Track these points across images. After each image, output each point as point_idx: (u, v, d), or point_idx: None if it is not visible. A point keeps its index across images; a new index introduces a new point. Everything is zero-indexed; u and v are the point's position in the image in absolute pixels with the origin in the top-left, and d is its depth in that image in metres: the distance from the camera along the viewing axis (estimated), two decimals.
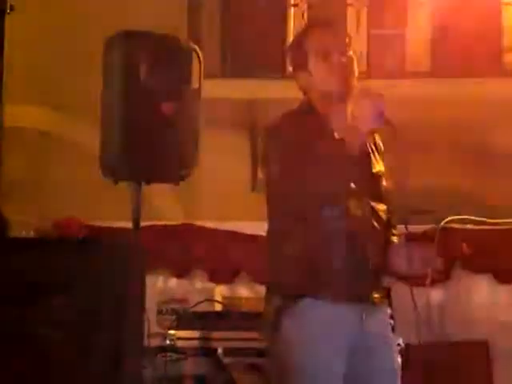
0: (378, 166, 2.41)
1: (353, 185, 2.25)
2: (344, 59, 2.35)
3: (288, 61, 2.53)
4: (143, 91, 3.02)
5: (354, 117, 2.22)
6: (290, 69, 2.53)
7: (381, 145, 2.47)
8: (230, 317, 3.30)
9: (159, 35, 3.10)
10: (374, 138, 2.43)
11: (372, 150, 2.41)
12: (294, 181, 2.22)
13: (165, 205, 4.84)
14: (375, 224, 2.32)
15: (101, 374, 2.00)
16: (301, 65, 2.41)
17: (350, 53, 2.39)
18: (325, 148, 2.24)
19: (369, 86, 2.31)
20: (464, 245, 4.27)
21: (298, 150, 2.25)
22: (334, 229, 2.27)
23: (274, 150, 2.31)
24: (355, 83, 2.35)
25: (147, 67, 3.00)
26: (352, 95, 2.32)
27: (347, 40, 2.40)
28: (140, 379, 2.16)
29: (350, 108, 2.32)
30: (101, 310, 2.04)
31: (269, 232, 2.38)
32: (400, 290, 4.30)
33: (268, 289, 2.37)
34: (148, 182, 3.20)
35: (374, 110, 2.18)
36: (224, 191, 4.89)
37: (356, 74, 2.38)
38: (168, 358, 3.10)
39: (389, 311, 2.49)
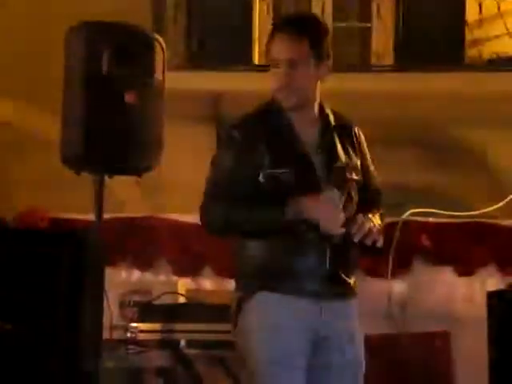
0: (347, 159, 2.40)
1: (315, 182, 2.26)
2: (288, 72, 2.29)
3: None
4: (105, 82, 3.00)
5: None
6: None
7: (362, 137, 2.46)
8: (193, 309, 3.30)
9: (121, 25, 3.07)
10: (354, 131, 2.43)
11: (343, 143, 2.39)
12: (252, 178, 2.22)
13: (128, 197, 4.81)
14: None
15: (58, 367, 1.98)
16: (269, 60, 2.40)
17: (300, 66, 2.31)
18: (282, 149, 2.25)
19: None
20: (425, 237, 4.32)
21: (256, 150, 2.25)
22: (295, 226, 2.27)
23: (222, 156, 2.29)
24: (304, 94, 2.31)
25: (109, 57, 2.97)
26: (305, 104, 2.31)
27: (298, 49, 2.31)
28: (98, 372, 2.15)
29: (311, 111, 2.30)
30: (58, 302, 2.02)
31: None
32: (361, 283, 4.35)
33: (235, 284, 2.38)
34: (110, 174, 3.17)
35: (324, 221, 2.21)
36: (189, 184, 4.87)
37: (304, 85, 2.31)
38: (130, 351, 3.08)
39: (353, 303, 2.49)
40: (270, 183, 2.24)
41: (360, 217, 2.26)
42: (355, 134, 2.44)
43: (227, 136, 2.33)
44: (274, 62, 2.33)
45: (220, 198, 2.25)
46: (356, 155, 2.41)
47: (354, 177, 2.39)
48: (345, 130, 2.40)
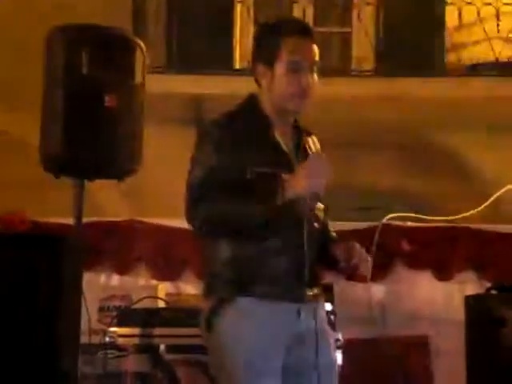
0: None
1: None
2: (311, 80, 2.28)
3: (253, 46, 2.40)
4: (85, 84, 2.98)
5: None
6: (251, 56, 2.40)
7: (317, 145, 2.47)
8: (172, 314, 3.28)
9: (102, 28, 3.06)
10: (312, 139, 2.43)
11: (310, 150, 2.41)
12: (237, 175, 2.21)
13: (109, 201, 4.80)
14: (313, 223, 2.33)
15: (36, 370, 1.97)
16: (266, 60, 2.32)
17: (315, 73, 2.31)
18: (264, 150, 2.24)
19: None
20: (404, 242, 4.34)
21: (237, 147, 2.25)
22: (270, 229, 2.26)
23: (203, 154, 2.27)
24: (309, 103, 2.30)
25: (89, 60, 2.95)
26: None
27: (317, 54, 2.30)
28: (76, 376, 2.13)
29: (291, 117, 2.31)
30: (36, 304, 2.00)
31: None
32: (342, 287, 4.37)
33: (205, 288, 2.36)
34: (90, 178, 3.15)
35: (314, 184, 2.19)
36: (169, 187, 4.85)
37: (314, 93, 2.30)
38: (109, 355, 3.07)
39: (327, 307, 2.49)
40: (258, 180, 2.22)
41: (358, 246, 2.28)
42: (314, 142, 2.45)
43: (208, 133, 2.31)
44: (297, 66, 2.27)
45: (209, 196, 2.20)
46: None
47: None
48: (310, 138, 2.41)
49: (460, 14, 4.92)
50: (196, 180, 2.24)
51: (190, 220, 2.25)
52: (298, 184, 2.19)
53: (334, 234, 2.46)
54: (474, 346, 2.86)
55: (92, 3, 4.56)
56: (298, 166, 2.24)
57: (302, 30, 2.32)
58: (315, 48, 2.32)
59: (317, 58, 2.32)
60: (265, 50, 2.34)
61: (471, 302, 2.91)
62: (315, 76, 2.32)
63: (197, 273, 4.37)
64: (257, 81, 2.37)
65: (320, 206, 2.38)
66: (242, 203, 2.21)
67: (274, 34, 2.34)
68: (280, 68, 2.30)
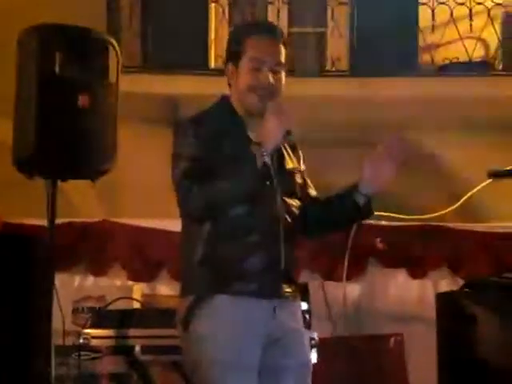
0: (292, 164, 2.43)
1: (267, 183, 2.27)
2: (272, 79, 2.31)
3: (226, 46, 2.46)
4: (58, 84, 2.96)
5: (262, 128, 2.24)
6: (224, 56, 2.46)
7: (295, 143, 2.49)
8: (147, 315, 3.26)
9: (75, 28, 3.04)
10: (289, 138, 2.45)
11: (285, 148, 2.43)
12: (201, 180, 2.22)
13: (83, 201, 4.77)
14: (288, 220, 2.35)
15: (7, 372, 1.95)
16: (233, 59, 2.38)
17: (282, 71, 2.33)
18: (238, 149, 2.25)
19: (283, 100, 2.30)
20: (378, 240, 4.36)
21: (208, 148, 2.26)
22: (245, 227, 2.28)
23: (184, 147, 2.29)
24: (276, 100, 2.30)
25: (62, 60, 2.94)
26: (270, 108, 2.30)
27: (283, 54, 2.33)
28: (48, 377, 2.12)
29: (267, 116, 2.31)
30: (6, 305, 1.98)
31: (181, 233, 2.38)
32: (317, 286, 4.38)
33: (181, 288, 2.37)
34: (63, 178, 3.13)
35: (280, 132, 2.22)
36: (145, 188, 4.85)
37: (281, 92, 2.33)
38: (83, 357, 3.05)
39: (303, 306, 2.50)
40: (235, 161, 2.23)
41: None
42: (290, 140, 2.46)
43: (185, 129, 2.33)
44: (257, 63, 2.31)
45: (199, 183, 2.23)
46: (297, 161, 2.45)
47: (299, 180, 2.43)
48: (287, 137, 2.41)
49: (433, 14, 4.96)
50: (183, 172, 2.27)
51: (187, 211, 2.29)
52: (268, 133, 2.22)
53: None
54: (444, 344, 2.89)
55: (66, 3, 4.53)
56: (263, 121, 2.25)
57: (266, 30, 2.37)
58: (281, 48, 2.35)
59: (282, 58, 2.35)
60: (232, 49, 2.40)
61: (442, 300, 2.94)
62: (282, 76, 2.34)
63: (173, 273, 4.36)
64: (228, 81, 2.39)
65: (296, 202, 2.40)
66: (228, 181, 2.23)
67: (240, 33, 2.40)
68: (243, 66, 2.35)
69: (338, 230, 2.59)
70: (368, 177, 2.33)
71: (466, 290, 3.05)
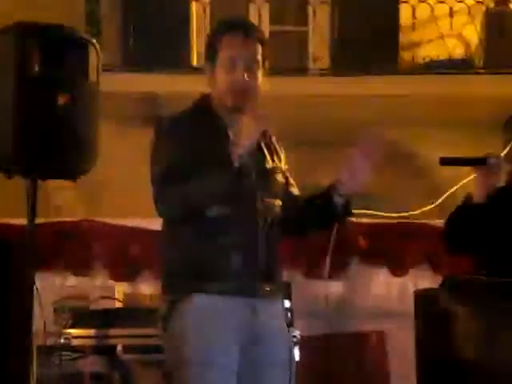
0: (272, 163, 2.43)
1: (245, 183, 2.27)
2: (247, 76, 2.31)
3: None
4: (37, 83, 2.94)
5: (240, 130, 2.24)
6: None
7: (275, 143, 2.49)
8: (129, 314, 3.26)
9: (53, 26, 3.02)
10: (269, 137, 2.45)
11: (266, 147, 2.42)
12: (180, 180, 2.22)
13: (65, 201, 4.75)
14: (267, 218, 2.35)
15: None
16: (210, 57, 2.38)
17: (258, 69, 2.32)
18: (217, 148, 2.25)
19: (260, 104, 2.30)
20: (360, 238, 4.38)
21: (187, 147, 2.25)
22: (223, 227, 2.28)
23: (163, 147, 2.29)
24: (254, 99, 2.32)
25: (41, 59, 2.92)
26: (248, 109, 2.30)
27: (260, 52, 2.33)
28: (27, 377, 2.11)
29: (244, 115, 2.31)
30: None
31: (160, 233, 2.38)
32: (300, 284, 4.39)
33: (162, 288, 2.37)
34: (43, 178, 3.12)
35: (256, 131, 2.23)
36: (127, 187, 4.83)
37: (257, 90, 2.33)
38: (64, 357, 3.04)
39: (285, 304, 2.51)
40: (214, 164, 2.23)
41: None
42: (270, 138, 2.46)
43: (165, 128, 2.33)
44: (232, 61, 2.31)
45: (177, 183, 2.22)
46: (277, 159, 2.45)
47: (281, 179, 2.43)
48: (264, 136, 2.41)
49: (414, 13, 4.97)
50: (161, 172, 2.26)
51: (164, 212, 2.29)
52: (244, 133, 2.22)
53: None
54: (422, 340, 2.90)
55: (44, 1, 4.50)
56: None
57: (242, 28, 2.37)
58: (257, 46, 2.35)
59: (258, 56, 2.34)
60: (209, 48, 2.40)
61: (420, 297, 2.95)
62: (258, 74, 2.34)
63: (155, 273, 4.35)
64: (207, 80, 2.40)
65: (277, 201, 2.40)
66: (206, 182, 2.23)
67: (216, 32, 2.41)
68: (219, 64, 2.35)
69: (317, 230, 2.59)
70: (345, 177, 2.34)
71: (445, 287, 3.07)
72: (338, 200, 2.35)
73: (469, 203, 2.95)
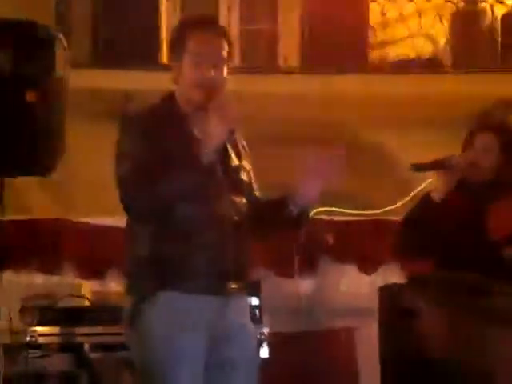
0: (237, 161, 2.43)
1: (212, 182, 2.27)
2: (214, 73, 2.31)
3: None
4: (4, 80, 2.91)
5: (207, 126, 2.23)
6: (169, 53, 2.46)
7: (242, 141, 2.49)
8: (96, 312, 3.24)
9: (19, 22, 2.99)
10: (234, 135, 2.45)
11: (231, 145, 2.42)
12: (146, 179, 2.20)
13: (33, 199, 4.71)
14: (234, 216, 2.35)
15: None
16: (176, 55, 2.37)
17: (224, 66, 2.34)
18: (183, 147, 2.24)
19: (226, 100, 2.29)
20: (330, 236, 4.40)
21: (152, 146, 2.24)
22: (190, 226, 2.27)
23: (128, 145, 2.27)
24: (220, 96, 2.30)
25: (7, 56, 2.89)
26: (214, 105, 2.28)
27: (225, 49, 2.34)
28: None
29: (211, 114, 2.30)
30: None
31: (125, 231, 2.37)
32: (270, 281, 4.40)
33: (127, 286, 2.35)
34: (12, 175, 3.09)
35: (224, 130, 2.22)
36: (96, 184, 4.80)
37: (224, 87, 2.34)
38: (31, 355, 3.01)
39: (254, 301, 2.51)
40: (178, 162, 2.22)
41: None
42: (236, 138, 2.46)
43: (130, 125, 2.32)
44: (199, 57, 2.31)
45: (141, 185, 2.21)
46: (242, 158, 2.45)
47: (245, 178, 2.43)
48: (231, 135, 2.41)
49: (383, 12, 5.00)
50: (125, 173, 2.24)
51: (130, 212, 2.27)
52: (212, 132, 2.21)
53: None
54: (386, 336, 2.93)
55: (15, 1, 4.45)
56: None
57: (208, 25, 2.38)
58: (223, 43, 2.35)
59: (224, 52, 2.35)
60: (174, 45, 2.39)
61: (384, 293, 2.98)
62: (224, 71, 2.35)
63: (123, 271, 4.32)
64: (173, 77, 2.38)
65: (242, 199, 2.40)
66: (172, 181, 2.21)
67: (182, 28, 2.40)
68: (185, 61, 2.34)
69: (276, 233, 2.59)
70: (301, 189, 2.33)
71: (408, 283, 3.10)
72: (294, 209, 2.35)
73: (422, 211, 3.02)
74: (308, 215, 2.40)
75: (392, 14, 5.01)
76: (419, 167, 3.10)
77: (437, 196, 3.02)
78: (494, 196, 3.08)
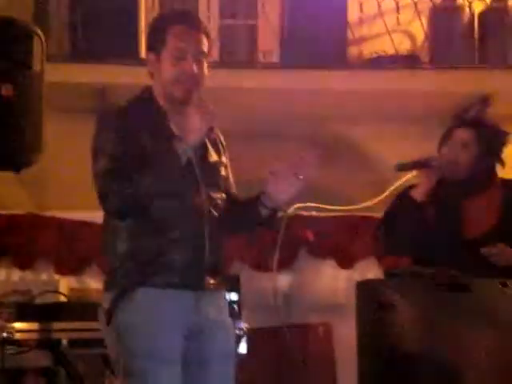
0: (216, 157, 2.43)
1: (190, 178, 2.26)
2: (196, 68, 2.30)
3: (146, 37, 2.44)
4: None
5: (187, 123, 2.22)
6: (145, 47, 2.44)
7: (220, 137, 2.49)
8: (73, 308, 3.23)
9: None
10: (213, 131, 2.44)
11: (209, 141, 2.41)
12: (123, 175, 2.19)
13: (9, 194, 4.67)
14: (213, 212, 2.35)
15: None
16: (154, 49, 2.35)
17: (204, 61, 2.33)
18: (161, 142, 2.23)
19: (207, 96, 2.29)
20: (308, 231, 4.41)
21: (130, 142, 2.23)
22: (168, 221, 2.27)
23: (105, 142, 2.25)
24: (199, 91, 2.30)
25: None
26: (194, 101, 2.27)
27: (206, 44, 2.34)
28: None
29: (190, 109, 2.28)
30: None
31: (102, 226, 2.36)
32: (247, 276, 4.40)
33: (105, 282, 2.35)
34: None
35: (204, 126, 2.22)
36: (73, 180, 4.77)
37: (203, 82, 2.33)
38: (8, 351, 2.99)
39: (233, 296, 2.52)
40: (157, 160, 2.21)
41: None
42: (215, 133, 2.46)
43: (107, 121, 2.30)
44: (180, 52, 2.30)
45: (118, 183, 2.20)
46: (221, 154, 2.45)
47: (223, 173, 2.43)
48: (210, 130, 2.40)
49: (361, 8, 5.02)
50: (102, 170, 2.23)
51: (108, 209, 2.26)
52: (191, 129, 2.21)
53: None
54: (363, 331, 2.95)
55: None
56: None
57: (188, 20, 2.36)
58: (203, 38, 2.35)
59: (204, 48, 2.35)
60: (153, 39, 2.38)
61: (361, 288, 3.00)
62: (204, 66, 2.34)
63: (102, 267, 4.31)
64: (149, 71, 2.37)
65: (221, 194, 2.40)
66: (150, 178, 2.20)
67: (161, 23, 2.38)
68: (165, 55, 2.33)
69: (248, 232, 2.61)
70: (270, 191, 2.32)
71: (385, 278, 3.12)
72: (263, 211, 2.35)
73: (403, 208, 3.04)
74: (277, 217, 2.39)
75: (370, 10, 5.03)
76: (402, 167, 3.14)
77: (418, 195, 3.05)
78: (471, 192, 3.10)
